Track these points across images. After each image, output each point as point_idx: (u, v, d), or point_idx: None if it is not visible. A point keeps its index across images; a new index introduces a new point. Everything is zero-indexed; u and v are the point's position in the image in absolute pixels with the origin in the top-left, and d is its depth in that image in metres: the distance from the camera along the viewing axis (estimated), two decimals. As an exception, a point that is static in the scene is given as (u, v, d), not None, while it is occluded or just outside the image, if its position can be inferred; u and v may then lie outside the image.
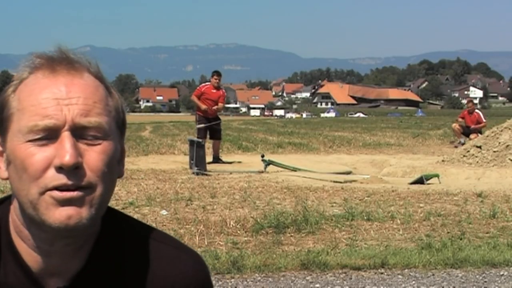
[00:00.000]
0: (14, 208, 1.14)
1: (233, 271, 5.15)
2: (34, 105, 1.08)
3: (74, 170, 1.05)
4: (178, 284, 1.19)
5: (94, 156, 1.07)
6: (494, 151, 12.16)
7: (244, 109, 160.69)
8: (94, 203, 1.07)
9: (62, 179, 1.04)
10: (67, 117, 1.06)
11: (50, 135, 1.06)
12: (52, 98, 1.08)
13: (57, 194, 1.04)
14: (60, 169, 1.04)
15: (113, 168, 1.11)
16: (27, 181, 1.06)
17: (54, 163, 1.05)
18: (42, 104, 1.07)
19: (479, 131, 18.14)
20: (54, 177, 1.05)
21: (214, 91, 13.61)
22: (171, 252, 1.21)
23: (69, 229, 1.06)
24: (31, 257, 1.13)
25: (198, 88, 14.30)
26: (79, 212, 1.05)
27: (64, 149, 1.04)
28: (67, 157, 1.04)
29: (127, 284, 1.18)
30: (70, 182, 1.04)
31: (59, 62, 1.11)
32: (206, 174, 11.19)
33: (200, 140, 12.14)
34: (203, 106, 13.40)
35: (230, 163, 13.63)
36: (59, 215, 1.05)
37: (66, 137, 1.05)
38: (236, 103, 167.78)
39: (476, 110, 19.61)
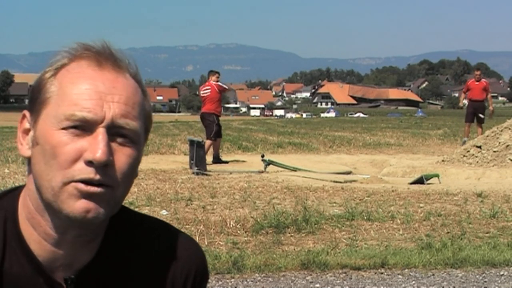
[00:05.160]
0: (28, 191, 1.13)
1: (233, 271, 5.15)
2: (76, 94, 1.07)
3: (102, 167, 1.05)
4: (180, 269, 1.22)
5: (123, 158, 1.08)
6: (494, 151, 12.16)
7: (244, 109, 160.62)
8: (113, 202, 1.09)
9: (90, 174, 1.05)
10: (106, 114, 1.06)
11: (85, 127, 1.06)
12: (95, 90, 1.07)
13: (82, 186, 1.05)
14: (89, 163, 1.05)
15: (135, 172, 1.14)
16: (54, 167, 1.05)
17: (85, 156, 1.05)
18: (84, 95, 1.07)
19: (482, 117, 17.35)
20: (82, 170, 1.05)
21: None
22: (173, 240, 1.24)
23: (85, 222, 1.07)
24: (40, 245, 1.12)
25: (217, 88, 13.62)
26: (98, 208, 1.06)
27: (98, 145, 1.04)
28: (99, 154, 1.04)
29: (133, 274, 1.19)
30: (96, 178, 1.05)
31: (106, 57, 1.11)
32: (206, 174, 11.19)
33: (200, 140, 12.14)
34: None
35: (228, 162, 13.64)
36: (78, 207, 1.05)
37: (101, 133, 1.05)
38: (236, 103, 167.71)
39: (483, 79, 18.17)
